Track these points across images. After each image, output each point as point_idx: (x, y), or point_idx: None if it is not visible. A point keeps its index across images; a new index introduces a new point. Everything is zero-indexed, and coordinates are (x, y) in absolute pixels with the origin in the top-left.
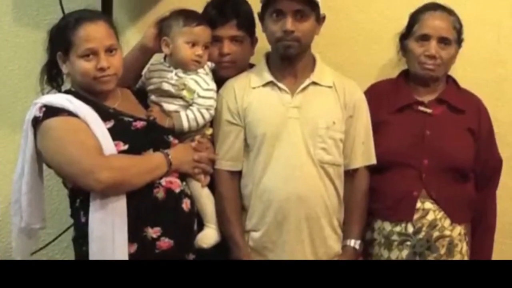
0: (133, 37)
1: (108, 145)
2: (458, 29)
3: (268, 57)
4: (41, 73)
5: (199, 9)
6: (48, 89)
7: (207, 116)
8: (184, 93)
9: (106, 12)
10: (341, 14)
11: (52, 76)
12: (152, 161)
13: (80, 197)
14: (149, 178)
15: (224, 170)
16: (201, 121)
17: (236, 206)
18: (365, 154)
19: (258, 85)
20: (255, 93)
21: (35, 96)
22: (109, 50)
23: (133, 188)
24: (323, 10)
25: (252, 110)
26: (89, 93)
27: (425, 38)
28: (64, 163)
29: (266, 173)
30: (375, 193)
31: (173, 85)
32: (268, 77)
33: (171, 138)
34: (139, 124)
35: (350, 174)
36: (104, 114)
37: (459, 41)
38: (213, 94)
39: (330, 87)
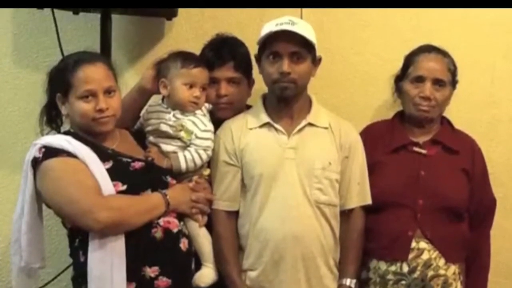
0: (131, 79)
1: (107, 186)
2: (453, 71)
3: (264, 98)
4: (40, 114)
5: (197, 51)
6: (48, 130)
7: (205, 157)
8: (182, 134)
9: (104, 54)
10: (337, 56)
11: (51, 117)
12: (150, 201)
13: (79, 237)
14: (147, 218)
15: (221, 210)
16: (198, 161)
17: (233, 246)
18: (360, 195)
19: (255, 126)
20: (252, 134)
21: (35, 137)
22: (108, 92)
23: (131, 228)
24: (319, 52)
25: (249, 151)
26: (88, 134)
27: (420, 79)
28: (63, 203)
29: (263, 213)
30: (370, 233)
31: (171, 126)
32: (265, 118)
33: (169, 179)
34: (138, 164)
35: (345, 214)
36: (103, 154)
37: (453, 82)
38: (210, 135)
39: (326, 128)
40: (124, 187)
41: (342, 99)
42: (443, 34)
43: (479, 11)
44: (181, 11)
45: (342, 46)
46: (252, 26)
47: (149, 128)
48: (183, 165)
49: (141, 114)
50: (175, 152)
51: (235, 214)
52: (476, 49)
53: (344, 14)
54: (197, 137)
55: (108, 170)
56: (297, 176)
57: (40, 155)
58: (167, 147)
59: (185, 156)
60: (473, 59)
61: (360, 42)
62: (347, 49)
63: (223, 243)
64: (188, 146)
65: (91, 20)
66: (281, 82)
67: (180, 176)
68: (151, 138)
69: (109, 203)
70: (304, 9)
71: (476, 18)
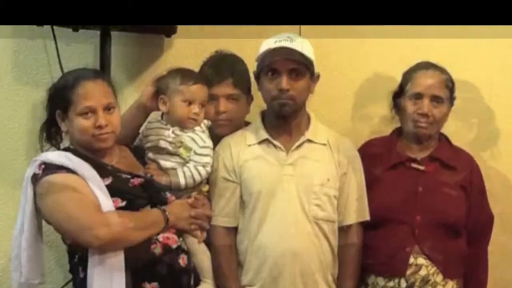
0: (130, 96)
1: (106, 202)
2: (450, 88)
3: (263, 115)
4: (40, 131)
5: (196, 68)
6: (47, 146)
7: (204, 173)
8: (181, 150)
9: (104, 71)
10: (335, 72)
11: (51, 134)
12: (149, 218)
13: (79, 253)
14: (146, 234)
15: (220, 226)
16: (197, 178)
17: (232, 262)
18: (359, 211)
19: (254, 143)
20: (250, 151)
21: (35, 154)
22: (107, 108)
23: (131, 244)
24: (317, 69)
25: (247, 168)
26: (87, 150)
27: (418, 96)
28: (63, 220)
29: (262, 230)
30: (368, 249)
31: (170, 142)
32: (264, 134)
33: (168, 195)
34: (137, 181)
35: (344, 230)
36: (102, 171)
37: (451, 99)
38: (209, 151)
39: (324, 144)
40: (124, 203)
41: (340, 115)
42: (440, 50)
43: (476, 28)
44: (180, 28)
45: (340, 62)
46: (251, 43)
47: (148, 145)
48: (182, 182)
49: (141, 130)
50: (174, 169)
51: (234, 230)
52: (473, 66)
53: (342, 31)
54: (196, 154)
55: (107, 186)
56: (295, 193)
57: (40, 172)
58: (166, 163)
59: (184, 173)
60: (471, 76)
61: (358, 59)
62: (346, 66)
63: (222, 259)
64: (187, 162)
65: (90, 37)
66: (279, 99)
67: (179, 192)
68: (150, 155)
69: (109, 219)
70: (302, 26)
71: (474, 35)
